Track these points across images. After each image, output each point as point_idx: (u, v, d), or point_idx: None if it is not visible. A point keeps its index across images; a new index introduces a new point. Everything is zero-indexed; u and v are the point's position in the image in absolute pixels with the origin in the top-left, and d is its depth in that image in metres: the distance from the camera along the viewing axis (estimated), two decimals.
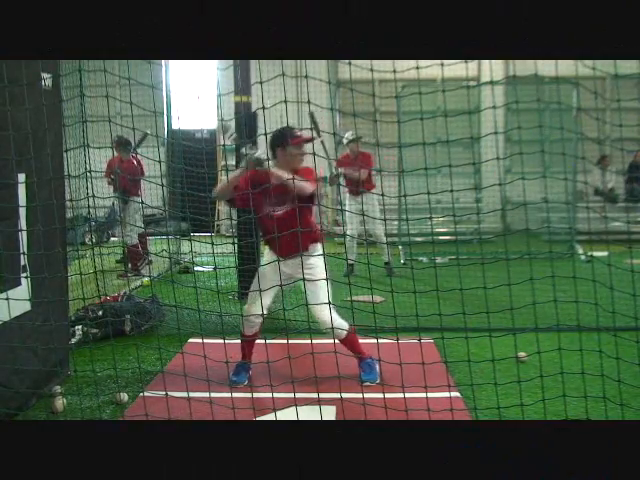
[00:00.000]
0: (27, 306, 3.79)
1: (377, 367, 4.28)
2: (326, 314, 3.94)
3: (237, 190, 4.04)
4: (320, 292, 4.03)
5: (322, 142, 7.16)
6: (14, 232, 3.59)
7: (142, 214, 8.64)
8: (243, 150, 4.09)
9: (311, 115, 6.07)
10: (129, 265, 8.62)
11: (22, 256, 3.73)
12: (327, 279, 3.89)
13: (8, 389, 3.64)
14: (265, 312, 4.06)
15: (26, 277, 3.73)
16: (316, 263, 4.14)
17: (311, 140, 4.07)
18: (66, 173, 3.96)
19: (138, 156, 8.59)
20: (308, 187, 3.99)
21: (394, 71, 3.00)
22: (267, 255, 4.35)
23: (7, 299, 3.45)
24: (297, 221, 3.60)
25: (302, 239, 3.70)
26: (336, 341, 3.76)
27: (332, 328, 3.81)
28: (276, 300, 4.57)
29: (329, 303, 3.92)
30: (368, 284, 3.22)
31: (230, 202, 4.25)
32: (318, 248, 4.23)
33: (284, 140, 4.09)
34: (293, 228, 3.59)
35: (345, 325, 4.23)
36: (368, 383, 4.21)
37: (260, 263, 4.00)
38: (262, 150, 4.06)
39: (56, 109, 4.18)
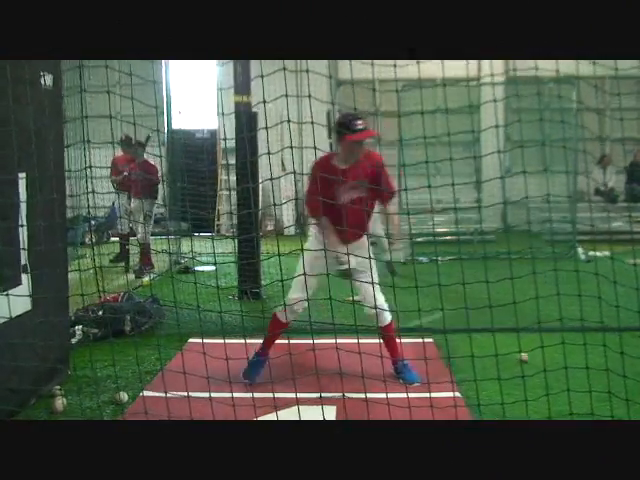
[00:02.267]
0: (28, 305, 3.79)
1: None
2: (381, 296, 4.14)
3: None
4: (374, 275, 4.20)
5: (331, 144, 7.14)
6: (14, 231, 3.59)
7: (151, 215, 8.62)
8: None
9: (327, 114, 5.97)
10: (135, 262, 8.65)
11: (22, 256, 3.74)
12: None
13: (8, 388, 3.64)
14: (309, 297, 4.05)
15: (26, 273, 3.73)
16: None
17: (372, 135, 4.11)
18: (67, 173, 3.96)
19: (151, 158, 8.59)
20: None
21: (394, 65, 2.99)
22: (317, 240, 4.14)
23: (7, 295, 3.45)
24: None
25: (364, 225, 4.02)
26: (339, 341, 3.75)
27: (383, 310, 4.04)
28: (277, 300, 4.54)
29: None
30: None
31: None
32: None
33: (343, 132, 4.00)
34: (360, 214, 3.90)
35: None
36: (416, 384, 4.15)
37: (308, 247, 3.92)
38: None
39: (57, 108, 4.19)
